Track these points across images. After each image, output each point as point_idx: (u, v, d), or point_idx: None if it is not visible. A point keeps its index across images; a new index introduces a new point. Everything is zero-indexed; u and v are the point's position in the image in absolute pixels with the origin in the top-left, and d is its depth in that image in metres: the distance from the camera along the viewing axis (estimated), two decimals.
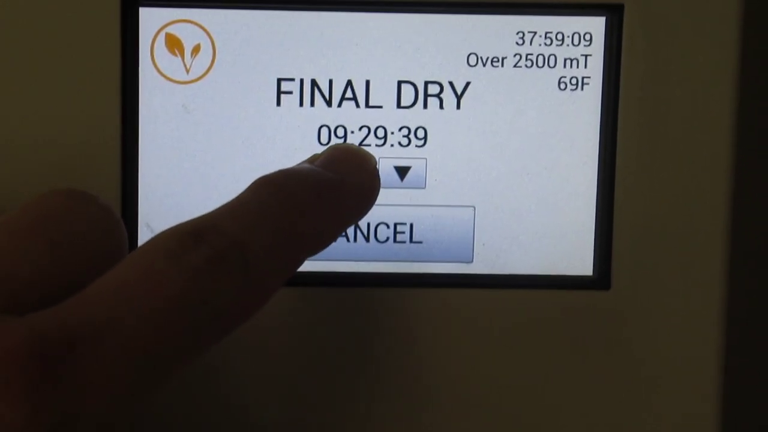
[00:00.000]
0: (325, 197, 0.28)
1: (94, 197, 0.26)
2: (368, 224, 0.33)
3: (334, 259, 0.32)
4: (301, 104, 0.32)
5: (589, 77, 0.32)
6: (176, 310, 0.23)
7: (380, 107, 0.32)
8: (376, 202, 0.32)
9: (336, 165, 0.29)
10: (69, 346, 0.22)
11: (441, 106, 0.32)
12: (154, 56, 0.32)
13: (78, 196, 0.26)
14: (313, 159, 0.30)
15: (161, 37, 0.32)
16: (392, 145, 0.32)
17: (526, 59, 0.32)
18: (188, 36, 0.32)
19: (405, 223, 0.33)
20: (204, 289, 0.24)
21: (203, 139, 0.32)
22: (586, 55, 0.32)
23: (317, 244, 0.28)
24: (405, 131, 0.32)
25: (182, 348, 0.24)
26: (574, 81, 0.32)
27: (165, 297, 0.23)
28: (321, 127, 0.32)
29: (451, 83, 0.32)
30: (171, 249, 0.24)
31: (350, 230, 0.33)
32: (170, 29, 0.32)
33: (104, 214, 0.26)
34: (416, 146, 0.32)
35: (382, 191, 0.32)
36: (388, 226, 0.33)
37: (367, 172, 0.30)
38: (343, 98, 0.32)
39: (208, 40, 0.32)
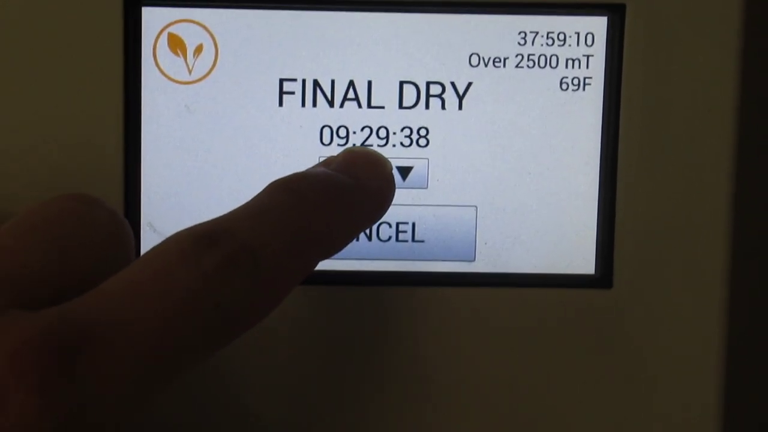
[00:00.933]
0: (339, 201, 0.28)
1: (100, 201, 0.27)
2: None
3: (336, 258, 0.32)
4: (303, 104, 0.32)
5: (590, 77, 0.32)
6: (188, 310, 0.24)
7: (382, 107, 0.32)
8: None
9: (351, 168, 0.29)
10: (83, 340, 0.22)
11: (443, 107, 0.32)
12: (157, 56, 0.32)
13: (84, 199, 0.26)
14: (328, 162, 0.30)
15: (164, 37, 0.32)
16: (394, 146, 0.32)
17: (528, 59, 0.32)
18: (191, 36, 0.32)
19: (407, 223, 0.33)
20: (216, 292, 0.24)
21: (205, 139, 0.32)
22: (587, 56, 0.32)
23: (330, 248, 0.28)
24: (407, 131, 0.32)
25: (193, 348, 0.24)
26: (575, 81, 0.32)
27: (177, 297, 0.24)
28: (323, 127, 0.32)
29: (453, 83, 0.32)
30: (184, 251, 0.24)
31: None
32: (173, 29, 0.32)
33: (111, 218, 0.26)
34: (418, 146, 0.32)
35: None
36: (390, 225, 0.33)
37: (382, 176, 0.30)
38: (345, 98, 0.32)
39: (211, 40, 0.32)
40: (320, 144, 0.32)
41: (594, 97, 0.32)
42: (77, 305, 0.23)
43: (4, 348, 0.22)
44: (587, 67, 0.32)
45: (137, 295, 0.23)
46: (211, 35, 0.32)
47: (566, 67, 0.32)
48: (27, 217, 0.25)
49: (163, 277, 0.24)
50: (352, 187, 0.29)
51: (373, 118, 0.32)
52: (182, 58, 0.32)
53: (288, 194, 0.27)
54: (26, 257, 0.24)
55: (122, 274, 0.24)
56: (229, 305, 0.24)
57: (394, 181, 0.30)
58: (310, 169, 0.29)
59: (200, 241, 0.25)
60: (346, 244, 0.29)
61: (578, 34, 0.32)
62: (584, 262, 0.33)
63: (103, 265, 0.25)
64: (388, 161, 0.30)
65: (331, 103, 0.32)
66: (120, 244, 0.26)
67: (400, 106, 0.32)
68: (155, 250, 0.25)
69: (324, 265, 0.31)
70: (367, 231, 0.33)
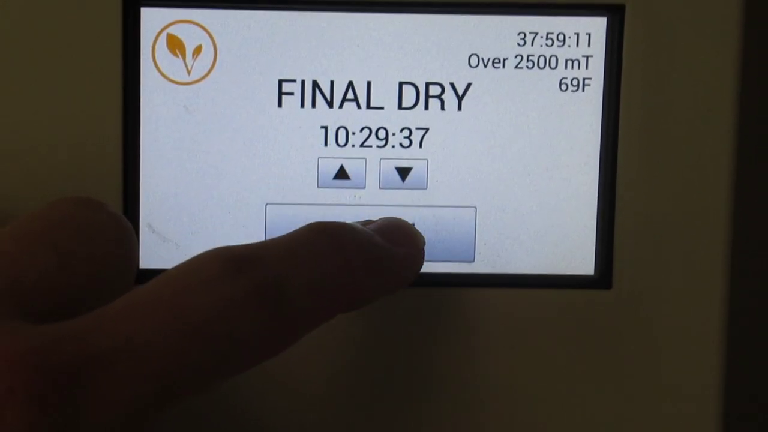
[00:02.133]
0: (374, 262, 0.28)
1: (103, 204, 0.26)
2: None
3: None
4: (303, 105, 0.32)
5: (590, 78, 0.32)
6: (199, 338, 0.23)
7: (381, 108, 0.32)
8: (378, 202, 0.32)
9: (388, 234, 0.29)
10: (80, 363, 0.21)
11: (442, 107, 0.32)
12: (156, 57, 0.32)
13: (87, 203, 0.26)
14: (365, 224, 0.30)
15: (163, 38, 0.32)
16: (393, 147, 0.32)
17: (528, 60, 0.32)
18: (190, 37, 0.32)
19: None
20: (233, 322, 0.24)
21: (204, 140, 0.32)
22: (587, 56, 0.32)
23: (353, 305, 0.28)
24: (406, 132, 0.32)
25: (198, 377, 0.23)
26: (575, 82, 0.32)
27: (190, 323, 0.23)
28: (322, 128, 0.32)
29: (452, 84, 0.32)
30: (210, 275, 0.24)
31: None
32: (172, 30, 0.32)
33: (113, 222, 0.26)
34: (418, 147, 0.32)
35: (384, 191, 0.32)
36: None
37: (415, 247, 0.30)
38: (344, 99, 0.32)
39: (210, 40, 0.32)
40: (319, 145, 0.32)
41: (593, 98, 0.32)
42: (82, 323, 0.22)
43: (1, 361, 0.21)
44: (587, 67, 0.32)
45: (149, 316, 0.23)
46: (210, 36, 0.32)
47: (566, 67, 0.32)
48: (28, 222, 0.25)
49: (181, 299, 0.23)
50: (389, 254, 0.29)
51: (373, 119, 0.32)
52: (181, 59, 0.32)
53: (328, 240, 0.27)
54: (28, 264, 0.24)
55: (138, 292, 0.23)
56: (244, 337, 0.24)
57: (424, 253, 0.30)
58: (351, 223, 0.29)
59: (229, 265, 0.24)
60: (368, 303, 0.28)
61: (577, 34, 0.32)
62: (584, 263, 0.33)
63: (107, 269, 0.25)
64: (422, 236, 0.31)
65: (330, 104, 0.32)
66: (123, 248, 0.26)
67: (400, 107, 0.32)
68: (180, 269, 0.24)
69: None
70: None
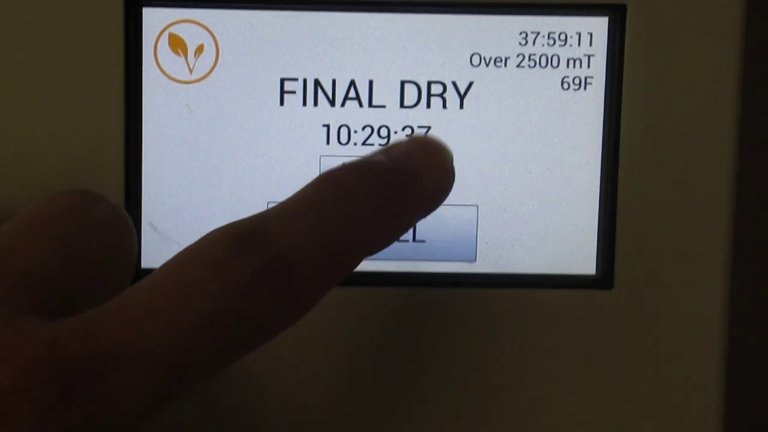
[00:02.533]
0: (391, 201, 0.27)
1: (101, 197, 0.26)
2: None
3: None
4: (305, 104, 0.32)
5: (592, 77, 0.32)
6: (210, 325, 0.23)
7: (383, 107, 0.32)
8: None
9: (412, 161, 0.28)
10: (90, 360, 0.21)
11: (444, 106, 0.32)
12: (158, 56, 0.32)
13: (86, 195, 0.26)
14: (389, 149, 0.28)
15: (165, 37, 0.32)
16: None
17: (529, 59, 0.32)
18: (191, 36, 0.32)
19: None
20: (243, 304, 0.23)
21: (206, 139, 0.32)
22: (589, 55, 0.32)
23: (371, 251, 0.26)
24: (408, 131, 0.32)
25: (210, 363, 0.23)
26: (577, 81, 0.32)
27: (200, 311, 0.23)
28: (324, 126, 0.32)
29: (454, 83, 0.32)
30: (214, 257, 0.23)
31: None
32: (174, 29, 0.32)
33: (113, 213, 0.26)
34: None
35: None
36: None
37: (441, 171, 0.28)
38: (346, 98, 0.32)
39: (212, 40, 0.32)
40: (321, 143, 0.32)
41: (595, 97, 0.32)
42: (90, 319, 0.22)
43: (12, 360, 0.21)
44: (588, 66, 0.32)
45: (157, 308, 0.22)
46: (212, 35, 0.32)
47: (567, 67, 0.32)
48: (31, 217, 0.25)
49: (189, 287, 0.23)
50: (405, 189, 0.27)
51: (375, 118, 0.32)
52: (183, 58, 0.32)
53: (337, 191, 0.26)
54: (37, 258, 0.24)
55: (146, 282, 0.23)
56: (254, 318, 0.23)
57: (453, 174, 0.28)
58: (366, 157, 0.27)
59: (234, 245, 0.24)
60: (390, 244, 0.27)
61: (579, 34, 0.32)
62: (585, 263, 0.33)
63: (108, 261, 0.25)
64: (450, 153, 0.28)
65: (332, 103, 0.32)
66: (124, 239, 0.26)
67: (402, 106, 0.32)
68: (185, 254, 0.24)
69: None
70: None
